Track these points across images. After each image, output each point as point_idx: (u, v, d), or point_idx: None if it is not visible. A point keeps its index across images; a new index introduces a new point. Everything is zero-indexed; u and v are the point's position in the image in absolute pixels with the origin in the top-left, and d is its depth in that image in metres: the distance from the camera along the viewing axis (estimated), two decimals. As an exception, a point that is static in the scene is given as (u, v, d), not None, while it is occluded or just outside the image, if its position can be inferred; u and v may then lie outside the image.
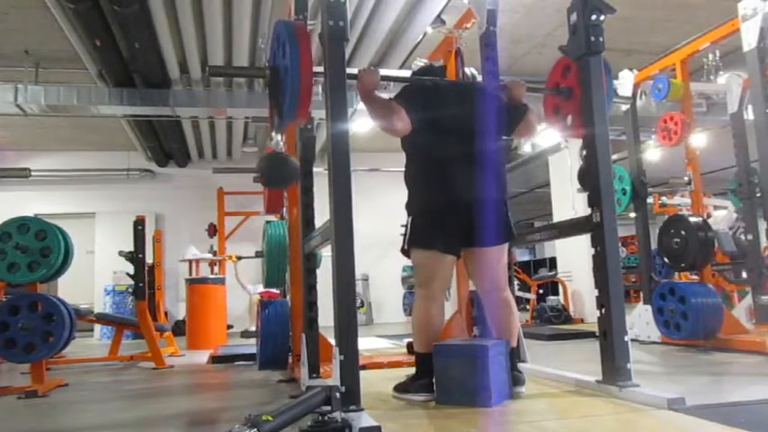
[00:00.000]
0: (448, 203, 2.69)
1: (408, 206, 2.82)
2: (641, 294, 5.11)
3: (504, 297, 2.82)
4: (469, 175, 2.69)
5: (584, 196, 2.90)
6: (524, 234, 3.53)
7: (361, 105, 7.38)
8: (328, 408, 2.05)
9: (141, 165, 10.42)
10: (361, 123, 7.93)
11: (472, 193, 2.68)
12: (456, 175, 2.69)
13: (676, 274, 5.53)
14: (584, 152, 2.76)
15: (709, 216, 6.07)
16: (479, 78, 3.70)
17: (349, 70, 2.50)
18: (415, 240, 2.76)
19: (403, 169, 2.88)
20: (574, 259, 8.89)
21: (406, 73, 3.67)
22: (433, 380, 2.64)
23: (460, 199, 2.68)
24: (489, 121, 2.78)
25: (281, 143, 3.53)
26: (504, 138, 3.00)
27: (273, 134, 3.44)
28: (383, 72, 2.73)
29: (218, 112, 7.56)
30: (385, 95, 2.82)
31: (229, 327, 8.16)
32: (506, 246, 2.87)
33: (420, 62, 4.35)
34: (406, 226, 2.80)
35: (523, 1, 5.95)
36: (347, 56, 2.52)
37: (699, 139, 6.23)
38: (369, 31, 5.85)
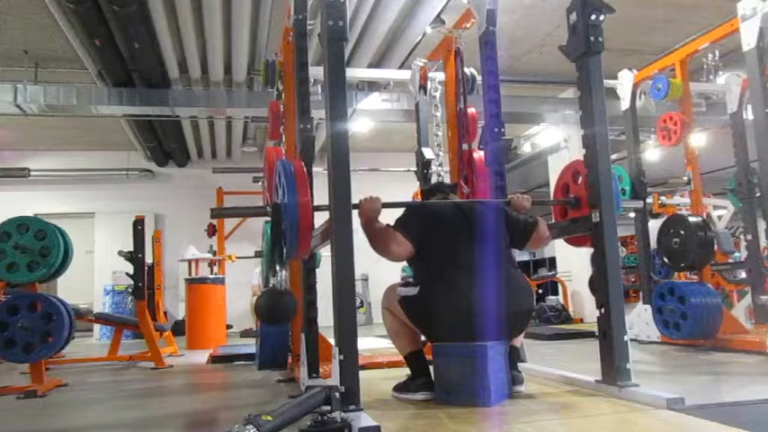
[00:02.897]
0: (453, 315, 2.57)
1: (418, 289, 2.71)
2: (641, 294, 5.11)
3: None
4: (475, 287, 2.57)
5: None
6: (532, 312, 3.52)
7: (360, 106, 7.41)
8: (328, 408, 2.05)
9: (141, 164, 10.42)
10: (361, 123, 7.94)
11: (478, 302, 2.55)
12: (463, 291, 2.57)
13: (675, 273, 5.53)
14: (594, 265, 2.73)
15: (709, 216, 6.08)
16: (479, 79, 3.70)
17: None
18: (409, 309, 2.67)
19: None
20: (573, 259, 8.89)
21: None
22: (432, 377, 2.64)
23: (467, 313, 2.54)
24: (493, 234, 2.73)
25: (284, 279, 3.61)
26: (516, 248, 2.93)
27: (278, 269, 3.54)
28: (384, 201, 2.69)
29: (217, 111, 7.56)
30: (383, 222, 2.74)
31: (229, 327, 8.16)
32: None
33: (420, 61, 4.37)
34: (411, 285, 2.72)
35: (523, 1, 5.96)
36: (347, 56, 2.53)
37: (698, 139, 6.24)
38: (368, 31, 5.85)
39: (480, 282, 2.58)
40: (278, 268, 3.36)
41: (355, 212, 2.48)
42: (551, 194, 3.31)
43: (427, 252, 2.69)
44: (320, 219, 2.54)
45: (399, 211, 2.87)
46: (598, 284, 2.67)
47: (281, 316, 3.18)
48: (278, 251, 2.68)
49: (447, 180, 3.87)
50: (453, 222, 2.77)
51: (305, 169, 2.62)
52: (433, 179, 4.15)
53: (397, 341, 2.82)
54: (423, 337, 2.89)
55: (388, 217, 2.72)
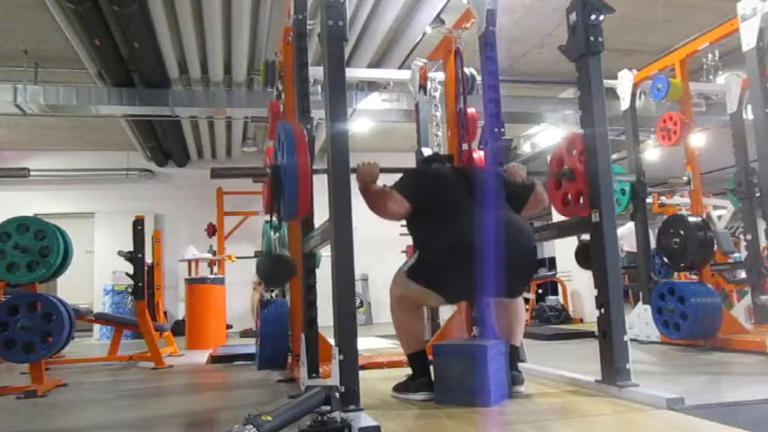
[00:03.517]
0: (457, 258, 2.56)
1: (417, 250, 2.74)
2: (631, 295, 5.10)
3: (514, 300, 2.83)
4: (475, 237, 2.56)
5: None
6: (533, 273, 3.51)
7: (360, 106, 7.40)
8: (328, 408, 2.05)
9: (140, 164, 10.42)
10: (360, 123, 7.93)
11: (482, 249, 2.54)
12: (462, 238, 2.57)
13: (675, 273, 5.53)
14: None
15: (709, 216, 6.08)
16: (479, 79, 3.70)
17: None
18: (415, 276, 2.67)
19: (405, 222, 2.85)
20: (573, 259, 8.88)
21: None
22: (432, 378, 2.64)
23: (471, 254, 2.53)
24: (492, 196, 2.74)
25: (278, 241, 3.63)
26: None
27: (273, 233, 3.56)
28: (383, 166, 2.71)
29: (217, 111, 7.56)
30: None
31: (229, 327, 8.17)
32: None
33: (420, 61, 4.37)
34: (412, 256, 2.72)
35: (523, 1, 5.96)
36: (347, 56, 2.53)
37: (698, 139, 6.24)
38: (368, 31, 5.85)
39: (481, 228, 2.58)
40: (273, 232, 3.35)
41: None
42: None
43: (426, 209, 2.68)
44: (318, 186, 2.53)
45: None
46: (598, 284, 2.67)
47: (280, 274, 3.17)
48: (277, 211, 2.70)
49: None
50: (452, 183, 2.79)
51: (305, 133, 2.59)
52: None
53: (402, 337, 2.80)
54: (426, 337, 2.88)
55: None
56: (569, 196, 2.94)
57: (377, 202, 2.68)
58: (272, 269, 3.17)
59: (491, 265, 2.51)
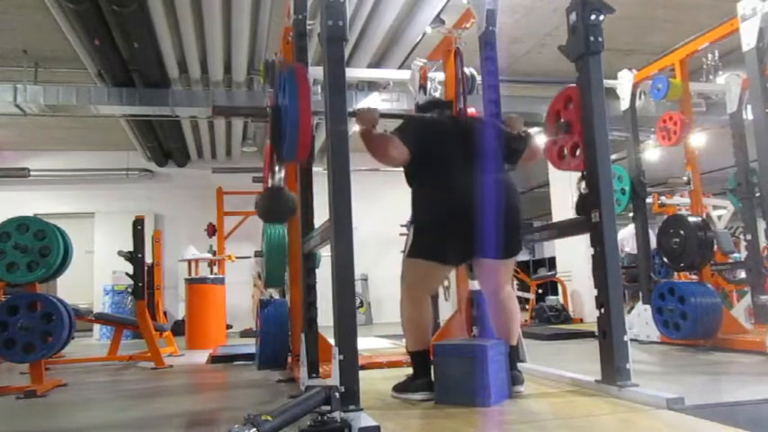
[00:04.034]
0: (452, 216, 2.65)
1: (413, 218, 2.81)
2: (627, 296, 5.11)
3: (505, 295, 2.83)
4: (472, 193, 2.64)
5: (583, 196, 2.89)
6: (524, 234, 3.52)
7: (360, 106, 7.42)
8: (328, 407, 2.05)
9: (140, 164, 10.42)
10: (357, 126, 7.92)
11: (476, 208, 2.62)
12: (458, 192, 2.65)
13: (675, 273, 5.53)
14: (584, 183, 2.73)
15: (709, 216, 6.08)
16: (479, 79, 3.70)
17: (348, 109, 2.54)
18: (415, 252, 2.73)
19: (401, 169, 2.88)
20: (573, 259, 8.89)
21: (410, 72, 3.66)
22: (432, 378, 2.64)
23: (465, 212, 2.62)
24: (490, 148, 2.77)
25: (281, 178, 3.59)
26: (509, 166, 2.98)
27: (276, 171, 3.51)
28: (382, 110, 2.74)
29: (217, 116, 7.55)
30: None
31: (229, 326, 8.16)
32: (515, 258, 2.88)
33: (420, 61, 4.37)
34: (408, 235, 2.78)
35: (523, 1, 5.95)
36: (346, 56, 2.53)
37: (698, 139, 6.23)
38: (368, 31, 5.85)
39: (476, 186, 2.64)
40: (276, 169, 3.32)
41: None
42: (550, 194, 3.28)
43: (423, 159, 2.71)
44: (318, 187, 2.55)
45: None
46: (598, 284, 2.67)
47: (280, 211, 3.15)
48: (277, 151, 2.70)
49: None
50: (451, 133, 2.82)
51: (306, 73, 2.60)
52: None
53: (407, 333, 2.80)
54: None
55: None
56: (565, 150, 2.95)
57: (378, 147, 2.71)
58: (272, 203, 3.13)
59: (487, 222, 2.57)
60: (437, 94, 4.47)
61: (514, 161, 2.93)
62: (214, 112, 3.00)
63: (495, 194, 2.66)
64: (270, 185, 3.31)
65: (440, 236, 2.67)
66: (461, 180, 2.67)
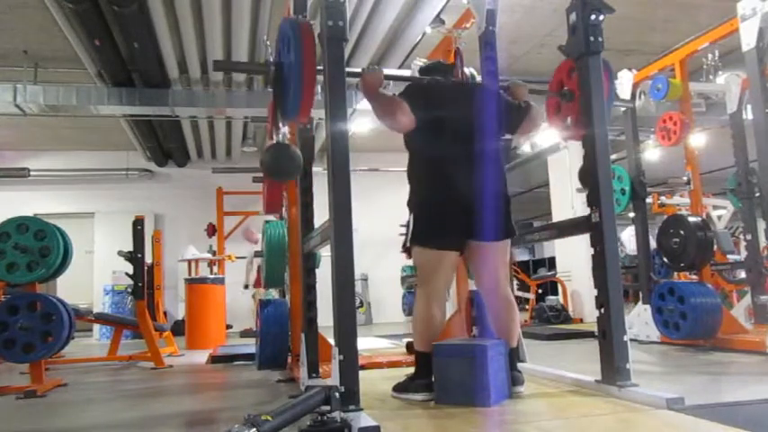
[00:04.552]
0: (449, 198, 2.68)
1: (410, 203, 2.82)
2: (630, 294, 5.11)
3: (504, 296, 2.82)
4: (470, 171, 2.69)
5: (583, 196, 2.91)
6: (524, 234, 3.53)
7: (360, 105, 7.42)
8: (327, 407, 2.05)
9: (140, 164, 10.42)
10: (360, 123, 7.93)
11: (473, 189, 2.67)
12: (457, 171, 2.69)
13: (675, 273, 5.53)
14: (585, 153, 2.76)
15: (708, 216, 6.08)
16: (479, 79, 3.69)
17: (352, 69, 2.52)
18: (416, 237, 2.74)
19: (403, 169, 2.88)
20: (573, 259, 8.90)
21: (410, 72, 3.66)
22: (433, 379, 2.64)
23: (462, 194, 2.67)
24: (491, 120, 2.80)
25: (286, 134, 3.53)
26: (508, 136, 3.00)
27: (280, 126, 3.46)
28: (386, 71, 2.73)
29: (217, 111, 7.56)
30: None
31: (229, 326, 8.16)
32: (508, 243, 2.87)
33: (419, 62, 4.34)
34: (407, 224, 2.79)
35: (523, 1, 5.96)
36: (346, 56, 2.53)
37: (698, 139, 6.23)
38: (368, 31, 5.85)
39: (476, 168, 2.67)
40: (280, 125, 3.29)
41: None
42: (550, 194, 3.28)
43: (426, 125, 2.72)
44: (318, 187, 2.54)
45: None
46: (598, 284, 2.67)
47: (287, 167, 3.12)
48: (280, 108, 2.69)
49: None
50: (454, 102, 2.82)
51: (311, 29, 2.57)
52: None
53: (417, 331, 2.78)
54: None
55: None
56: (568, 119, 2.96)
57: (386, 109, 2.71)
58: (279, 160, 3.11)
59: (486, 201, 2.61)
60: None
61: (513, 129, 2.96)
62: (215, 68, 2.97)
63: (493, 177, 2.70)
64: (275, 141, 3.29)
65: (438, 215, 2.69)
66: (460, 158, 2.69)
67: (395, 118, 2.69)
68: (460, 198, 2.67)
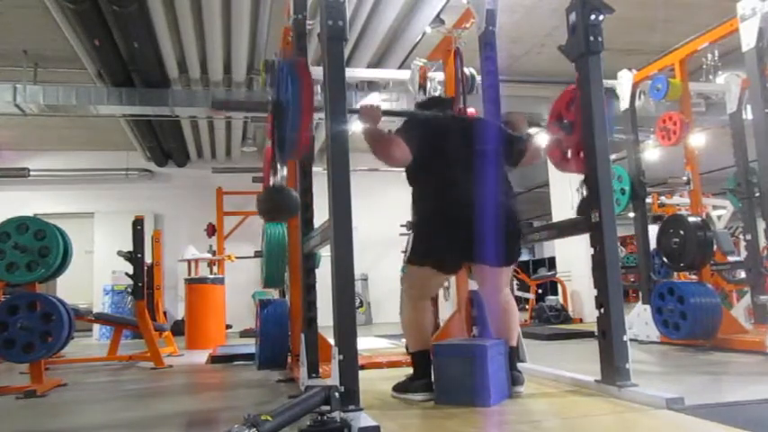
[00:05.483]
0: (449, 227, 2.64)
1: (411, 223, 2.83)
2: (639, 294, 5.11)
3: (504, 297, 2.83)
4: (470, 200, 2.63)
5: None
6: (523, 234, 3.53)
7: (360, 106, 7.40)
8: (327, 407, 2.05)
9: (140, 164, 10.42)
10: (360, 123, 7.92)
11: (473, 218, 2.61)
12: (457, 200, 2.65)
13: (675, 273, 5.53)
14: (585, 186, 2.74)
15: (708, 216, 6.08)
16: (478, 78, 3.70)
17: (352, 107, 2.53)
18: (414, 257, 2.74)
19: (403, 169, 2.87)
20: (573, 259, 8.90)
21: (409, 72, 3.65)
22: (432, 379, 2.64)
23: (462, 223, 2.62)
24: (491, 151, 2.77)
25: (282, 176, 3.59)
26: (509, 168, 2.97)
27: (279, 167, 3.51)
28: (385, 108, 2.73)
29: (217, 111, 7.55)
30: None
31: (228, 327, 8.16)
32: (513, 265, 2.89)
33: (419, 61, 4.36)
34: (408, 239, 2.79)
35: (523, 1, 5.96)
36: (346, 55, 2.53)
37: (698, 139, 6.23)
38: (368, 31, 5.85)
39: (476, 192, 2.63)
40: (278, 167, 3.31)
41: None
42: (550, 194, 3.28)
43: (425, 162, 2.71)
44: (318, 188, 2.54)
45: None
46: (598, 282, 2.67)
47: (282, 210, 3.13)
48: (278, 147, 2.70)
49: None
50: (452, 136, 2.80)
51: (308, 66, 2.59)
52: None
53: (408, 334, 2.82)
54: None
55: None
56: (569, 152, 2.95)
57: (381, 147, 2.70)
58: (274, 202, 3.11)
59: (487, 228, 2.56)
60: (437, 94, 4.47)
61: (515, 162, 2.92)
62: (213, 107, 2.97)
63: (495, 200, 2.65)
64: (272, 184, 3.31)
65: (439, 243, 2.66)
66: (461, 183, 2.66)
67: (389, 153, 2.68)
68: (461, 227, 2.61)
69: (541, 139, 3.09)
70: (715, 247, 4.78)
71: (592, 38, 2.69)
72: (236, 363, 4.93)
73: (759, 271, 4.66)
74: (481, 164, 2.71)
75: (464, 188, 2.65)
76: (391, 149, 2.68)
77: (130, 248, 5.15)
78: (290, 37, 3.73)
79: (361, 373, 2.32)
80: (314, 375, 2.97)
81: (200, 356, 5.51)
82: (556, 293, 10.00)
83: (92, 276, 9.83)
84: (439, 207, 2.68)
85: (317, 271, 3.22)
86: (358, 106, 2.69)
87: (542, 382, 2.99)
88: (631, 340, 3.54)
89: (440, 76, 4.45)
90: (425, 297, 2.84)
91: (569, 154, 2.95)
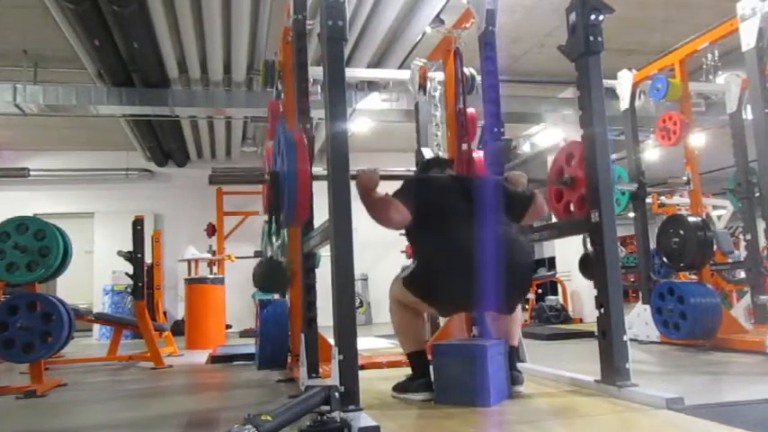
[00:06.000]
0: (452, 281, 2.56)
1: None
2: (639, 294, 5.11)
3: None
4: (473, 250, 2.55)
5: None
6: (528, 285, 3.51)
7: (359, 106, 7.41)
8: (327, 407, 2.05)
9: (140, 164, 10.42)
10: (360, 123, 7.93)
11: (477, 268, 2.53)
12: (459, 249, 2.57)
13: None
14: (589, 240, 2.72)
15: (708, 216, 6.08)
16: (478, 78, 3.70)
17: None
18: (413, 289, 2.68)
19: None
20: (573, 259, 8.87)
21: (409, 75, 3.64)
22: (432, 378, 2.64)
23: (465, 274, 2.52)
24: (491, 207, 2.73)
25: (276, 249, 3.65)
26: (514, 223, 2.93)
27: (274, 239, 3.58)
28: (382, 172, 2.70)
29: (216, 111, 7.56)
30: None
31: (228, 327, 8.16)
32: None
33: (419, 61, 4.37)
34: (410, 265, 2.76)
35: (522, 1, 5.96)
36: (346, 55, 2.53)
37: (697, 139, 6.23)
38: (368, 31, 5.85)
39: (478, 242, 2.57)
40: (274, 238, 3.36)
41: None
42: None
43: (424, 220, 2.67)
44: (318, 188, 2.54)
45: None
46: (598, 281, 2.67)
47: (276, 283, 3.17)
48: (276, 218, 2.70)
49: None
50: (452, 193, 2.77)
51: (305, 139, 2.58)
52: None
53: (401, 337, 2.81)
54: (426, 337, 2.89)
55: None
56: (572, 205, 2.95)
57: (379, 210, 2.65)
58: (269, 275, 3.17)
59: (487, 279, 2.51)
60: (437, 95, 4.47)
61: (518, 218, 2.86)
62: (211, 182, 2.96)
63: (497, 253, 2.56)
64: (268, 257, 3.38)
65: (438, 288, 2.62)
66: (462, 240, 2.59)
67: (387, 216, 2.63)
68: (462, 281, 2.53)
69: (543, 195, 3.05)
70: (715, 247, 4.78)
71: (592, 38, 2.69)
72: (236, 363, 4.93)
73: (759, 271, 4.66)
74: (481, 220, 2.65)
75: (464, 245, 2.57)
76: (390, 213, 2.63)
77: (130, 248, 5.15)
78: (289, 37, 3.73)
79: (361, 373, 2.32)
80: (314, 375, 2.97)
81: (200, 356, 5.51)
82: (556, 293, 10.00)
83: (92, 276, 9.83)
84: (439, 266, 2.60)
85: (317, 271, 3.22)
86: (355, 171, 2.59)
87: (542, 381, 2.99)
88: (631, 340, 3.54)
89: (440, 76, 4.45)
90: (417, 310, 2.81)
91: (572, 208, 2.95)
